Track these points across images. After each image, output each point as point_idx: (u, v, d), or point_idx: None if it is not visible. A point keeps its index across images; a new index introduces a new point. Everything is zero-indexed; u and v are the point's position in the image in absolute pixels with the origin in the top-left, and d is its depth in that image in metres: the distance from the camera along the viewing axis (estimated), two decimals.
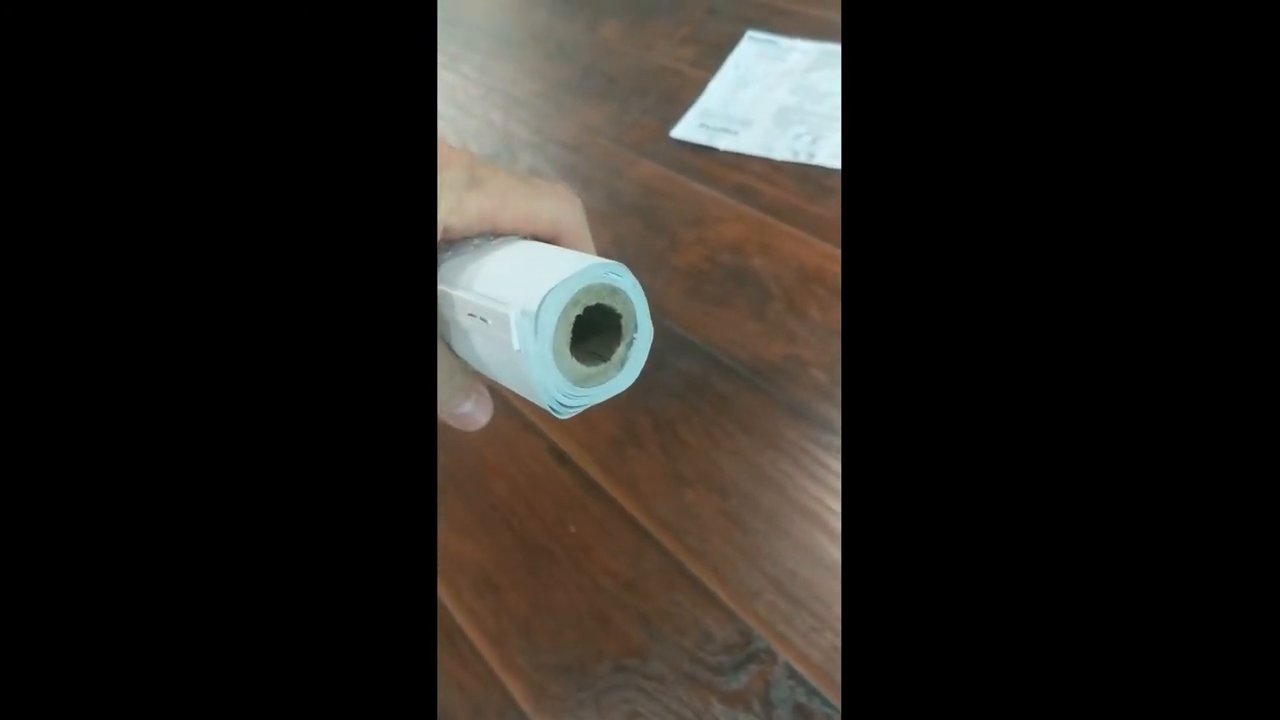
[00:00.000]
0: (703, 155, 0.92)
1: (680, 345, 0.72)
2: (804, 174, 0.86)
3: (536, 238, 0.28)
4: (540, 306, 0.23)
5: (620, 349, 0.26)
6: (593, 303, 0.25)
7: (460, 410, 0.30)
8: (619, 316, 0.26)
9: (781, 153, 0.88)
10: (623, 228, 0.86)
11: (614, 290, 0.25)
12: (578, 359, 0.25)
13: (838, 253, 0.76)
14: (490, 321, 0.24)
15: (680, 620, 0.55)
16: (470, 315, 0.25)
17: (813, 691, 0.51)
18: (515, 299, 0.23)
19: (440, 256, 0.28)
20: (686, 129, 0.95)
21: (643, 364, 0.27)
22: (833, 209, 0.81)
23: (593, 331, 0.26)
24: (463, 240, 0.28)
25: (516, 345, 0.23)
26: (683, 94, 1.02)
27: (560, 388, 0.25)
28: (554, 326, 0.24)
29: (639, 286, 0.26)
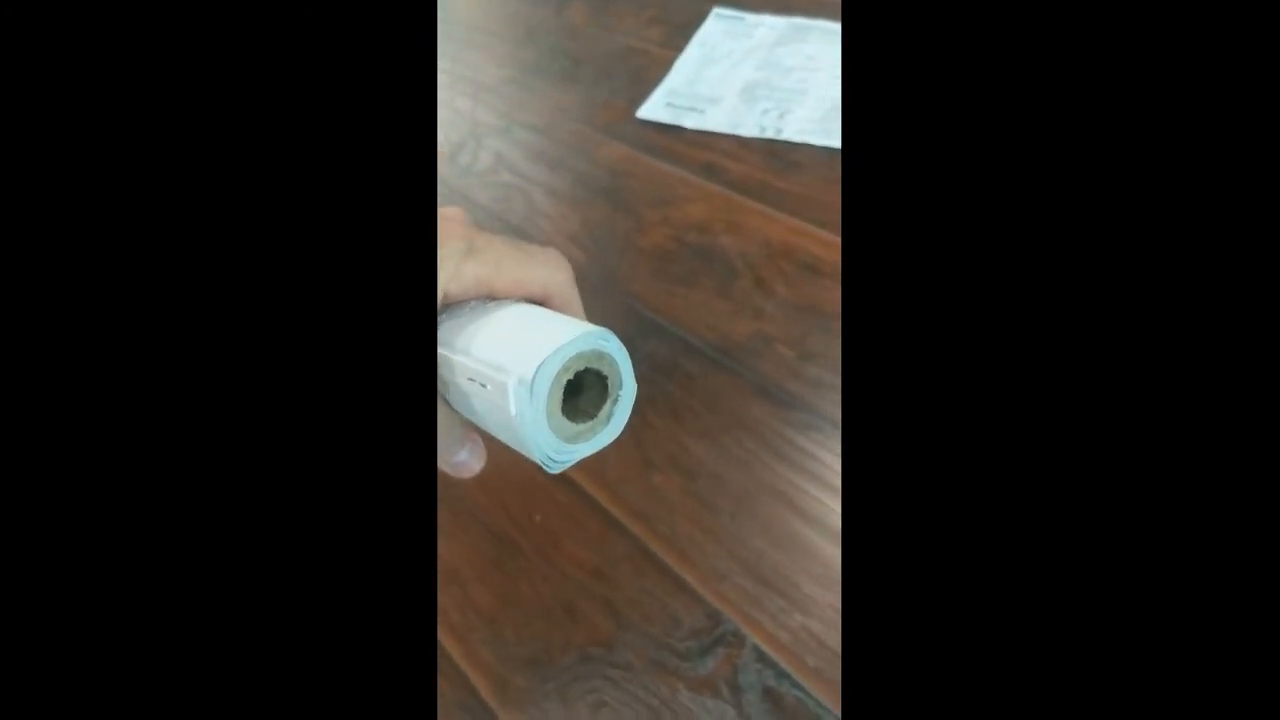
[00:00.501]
0: (669, 135, 0.91)
1: (647, 327, 0.71)
2: (771, 149, 0.84)
3: (529, 300, 0.30)
4: (535, 375, 0.25)
5: (606, 406, 0.28)
6: (582, 368, 0.26)
7: (457, 459, 0.32)
8: (605, 377, 0.28)
9: (749, 129, 0.86)
10: (590, 211, 0.84)
11: (601, 355, 0.27)
12: (567, 417, 0.27)
13: (804, 227, 0.75)
14: (489, 387, 0.26)
15: (647, 607, 0.54)
16: (470, 380, 0.27)
17: (782, 674, 0.49)
18: (513, 367, 0.25)
19: (440, 319, 0.29)
20: (653, 109, 0.93)
21: (627, 418, 0.29)
22: (799, 183, 0.79)
23: (581, 388, 0.28)
24: (459, 304, 0.29)
25: (513, 410, 0.25)
26: (650, 74, 1.01)
27: (552, 446, 0.27)
28: (547, 392, 0.25)
29: (624, 349, 0.28)
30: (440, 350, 0.28)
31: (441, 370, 0.28)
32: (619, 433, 0.29)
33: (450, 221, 0.28)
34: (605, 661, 0.52)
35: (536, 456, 0.27)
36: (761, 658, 0.50)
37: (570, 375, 0.26)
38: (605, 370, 0.27)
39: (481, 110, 1.06)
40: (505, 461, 0.64)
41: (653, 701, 0.50)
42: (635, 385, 0.28)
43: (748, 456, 0.60)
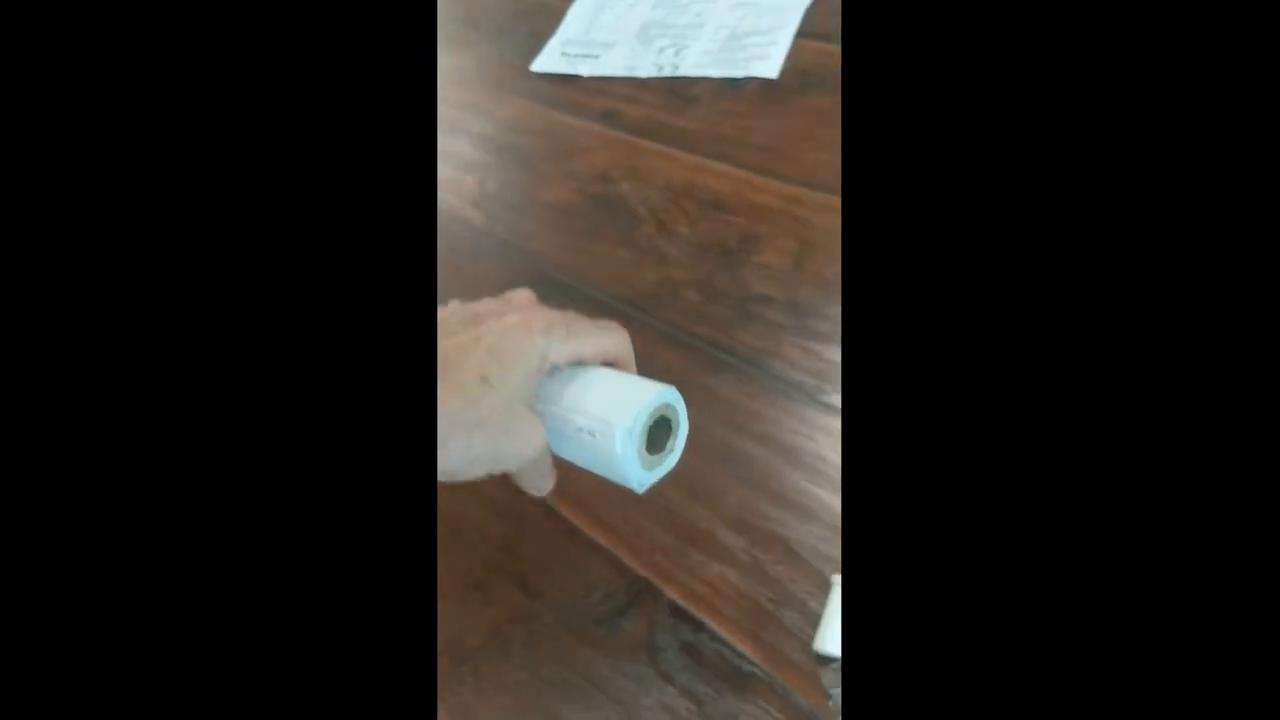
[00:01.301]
0: (567, 85, 0.87)
1: (551, 287, 0.68)
2: (669, 87, 0.80)
3: (604, 363, 0.39)
4: (633, 425, 0.34)
5: (671, 440, 0.38)
6: (659, 416, 0.36)
7: (545, 486, 0.41)
8: (669, 420, 0.37)
9: (645, 69, 0.83)
10: (490, 172, 0.81)
11: (670, 405, 0.37)
12: (648, 452, 0.36)
13: (704, 163, 0.71)
14: (597, 435, 0.34)
15: (559, 574, 0.51)
16: (578, 429, 0.35)
17: (699, 627, 0.47)
18: (618, 420, 0.34)
19: (543, 380, 0.37)
20: (548, 60, 0.89)
21: (683, 447, 0.39)
22: (698, 119, 0.75)
23: (654, 428, 0.37)
24: (554, 369, 0.38)
25: (619, 451, 0.34)
26: (550, 28, 0.96)
27: (640, 475, 0.36)
28: (641, 436, 0.35)
29: (681, 398, 0.37)
30: (546, 407, 0.37)
31: (549, 422, 0.36)
32: (678, 457, 0.39)
33: (534, 307, 0.38)
34: (519, 640, 0.49)
35: (631, 484, 0.37)
36: (678, 613, 0.48)
37: (651, 422, 0.36)
38: (670, 415, 0.37)
39: None
40: None
41: (569, 675, 0.47)
42: (687, 423, 0.39)
43: None
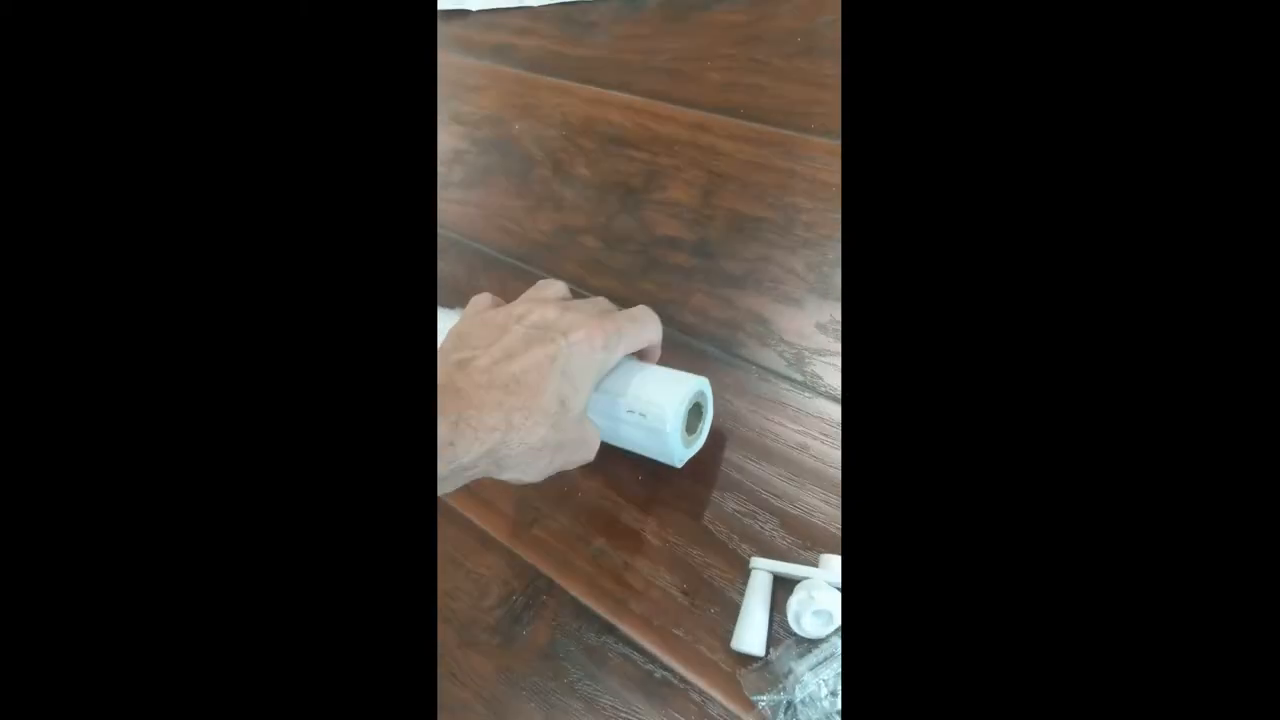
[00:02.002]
0: (455, 22, 0.78)
1: (441, 247, 0.60)
2: (565, 15, 0.72)
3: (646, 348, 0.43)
4: (680, 407, 0.39)
5: (702, 424, 0.43)
6: (694, 402, 0.41)
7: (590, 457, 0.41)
8: (700, 405, 0.42)
9: None
10: None
11: (702, 393, 0.42)
12: (686, 432, 0.41)
13: (604, 94, 0.63)
14: (648, 416, 0.39)
15: (451, 576, 0.45)
16: (629, 412, 0.39)
17: (605, 628, 0.40)
18: (668, 404, 0.39)
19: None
20: None
21: (708, 429, 0.43)
22: (596, 46, 0.67)
23: (689, 412, 0.41)
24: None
25: (668, 429, 0.39)
26: None
27: (680, 452, 0.41)
28: (684, 418, 0.40)
29: (709, 385, 0.42)
30: (596, 395, 0.39)
31: (604, 407, 0.40)
32: (707, 435, 0.43)
33: (594, 316, 0.39)
34: None
35: (674, 460, 0.41)
36: (581, 613, 0.41)
37: (689, 407, 0.40)
38: (701, 402, 0.42)
39: None
40: None
41: (462, 694, 0.41)
42: (712, 407, 0.43)
43: None
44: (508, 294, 0.54)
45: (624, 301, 0.51)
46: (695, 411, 0.41)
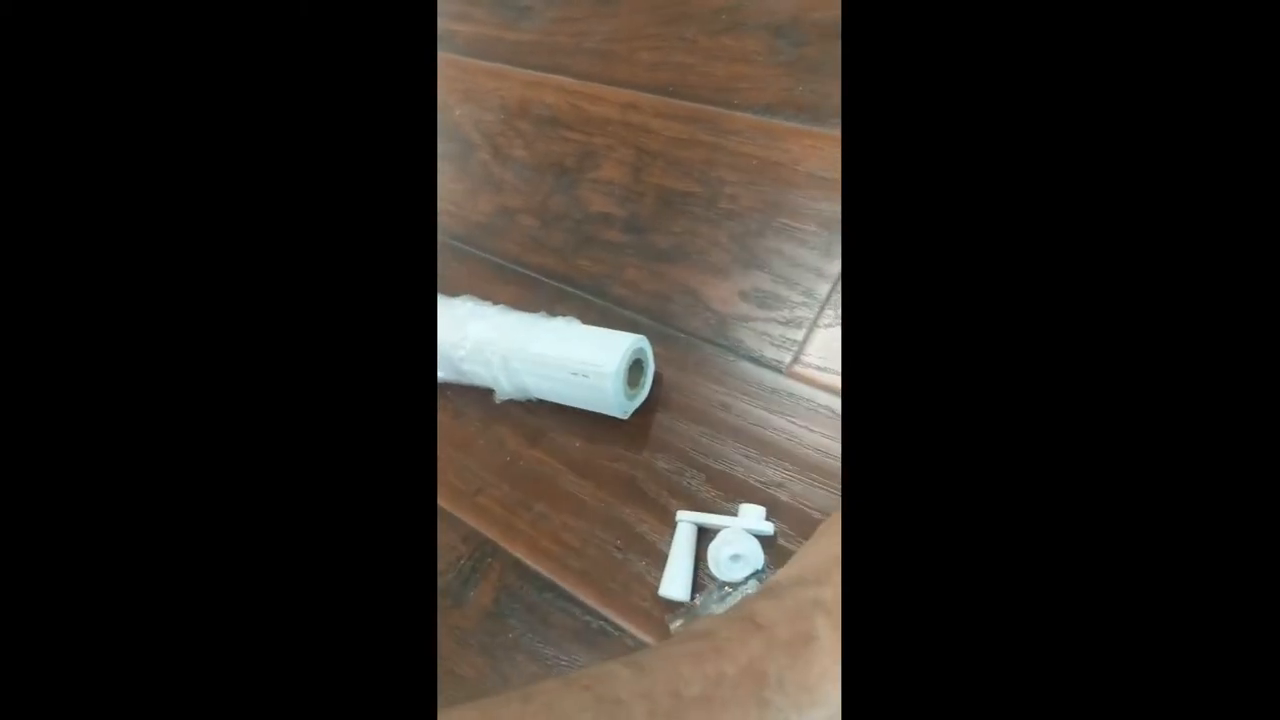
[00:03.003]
0: None
1: None
2: (500, 0, 0.73)
3: None
4: (620, 366, 0.43)
5: (643, 378, 0.46)
6: (634, 359, 0.44)
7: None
8: (640, 361, 0.46)
9: None
10: None
11: (641, 349, 0.45)
12: (627, 386, 0.44)
13: (540, 78, 0.65)
14: (590, 376, 0.43)
15: None
16: (572, 374, 0.44)
17: (545, 585, 0.43)
18: (606, 362, 0.43)
19: (530, 339, 0.46)
20: None
21: (651, 381, 0.47)
22: (532, 30, 0.69)
23: (630, 368, 0.45)
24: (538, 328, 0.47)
25: (610, 389, 0.43)
26: None
27: (623, 405, 0.44)
28: (625, 375, 0.43)
29: (648, 344, 0.46)
30: (544, 360, 0.45)
31: (537, 367, 0.45)
32: (648, 391, 0.47)
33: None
34: None
35: (615, 412, 0.45)
36: (523, 574, 0.43)
37: (628, 364, 0.44)
38: (642, 358, 0.46)
39: None
40: None
41: None
42: (654, 364, 0.47)
43: None
44: (448, 274, 0.56)
45: (560, 276, 0.53)
46: (636, 367, 0.45)
